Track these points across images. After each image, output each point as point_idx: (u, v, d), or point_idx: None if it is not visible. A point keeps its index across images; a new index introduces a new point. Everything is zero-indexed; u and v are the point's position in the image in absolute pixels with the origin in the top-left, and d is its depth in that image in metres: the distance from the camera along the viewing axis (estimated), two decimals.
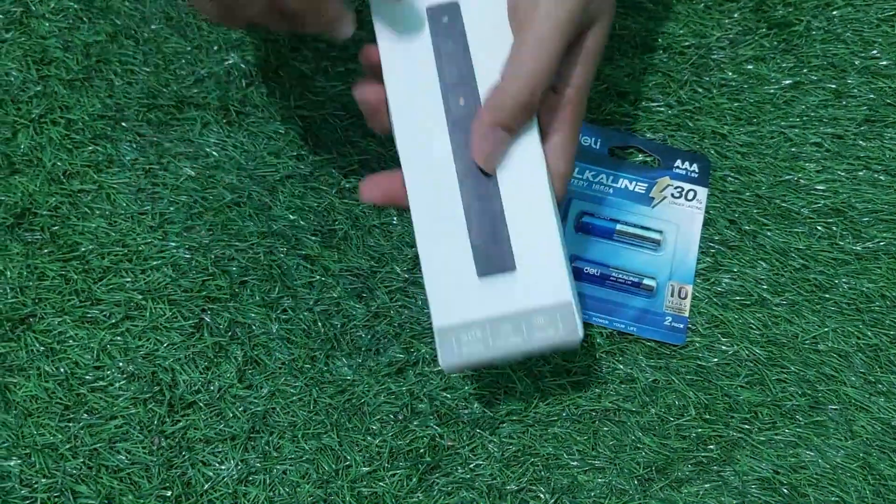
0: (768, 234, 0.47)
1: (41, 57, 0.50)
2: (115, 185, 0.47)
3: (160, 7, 0.52)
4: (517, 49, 0.33)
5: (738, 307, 0.46)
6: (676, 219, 0.47)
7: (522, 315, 0.33)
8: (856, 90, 0.51)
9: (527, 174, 0.34)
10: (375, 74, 0.37)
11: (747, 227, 0.47)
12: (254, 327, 0.44)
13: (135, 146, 0.48)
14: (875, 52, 0.53)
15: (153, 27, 0.51)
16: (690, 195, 0.48)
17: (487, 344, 0.33)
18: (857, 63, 0.52)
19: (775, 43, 0.52)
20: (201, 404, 0.43)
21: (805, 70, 0.52)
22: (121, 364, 0.43)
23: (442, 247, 0.34)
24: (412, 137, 0.34)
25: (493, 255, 0.33)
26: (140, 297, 0.45)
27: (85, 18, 0.52)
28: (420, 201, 0.34)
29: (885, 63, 0.52)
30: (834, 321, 0.45)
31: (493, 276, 0.33)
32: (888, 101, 0.51)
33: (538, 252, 0.34)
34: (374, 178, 0.36)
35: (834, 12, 0.54)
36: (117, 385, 0.43)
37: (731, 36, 0.52)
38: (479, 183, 0.34)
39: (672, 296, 0.46)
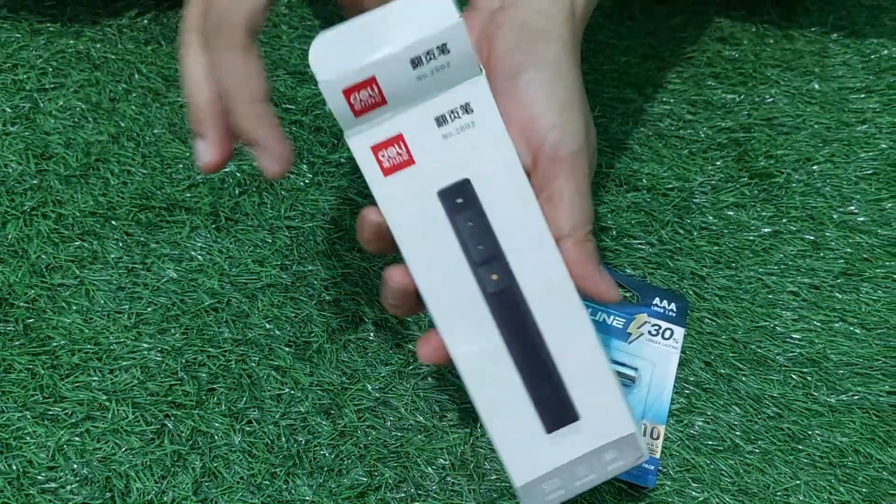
0: (743, 379, 0.47)
1: (42, 152, 0.52)
2: (95, 282, 0.47)
3: (165, 113, 0.54)
4: (559, 204, 0.34)
5: (710, 452, 0.45)
6: (652, 357, 0.47)
7: (594, 454, 0.35)
8: (833, 243, 0.52)
9: (564, 313, 0.34)
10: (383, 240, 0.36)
11: (722, 371, 0.47)
12: (216, 437, 0.44)
13: (121, 244, 0.49)
14: (853, 207, 0.54)
15: (155, 131, 0.53)
16: (667, 334, 0.48)
17: (567, 487, 0.35)
18: (835, 217, 0.53)
19: (756, 192, 0.54)
20: None
21: (784, 220, 0.53)
22: (75, 466, 0.42)
23: (506, 412, 0.35)
24: (451, 319, 0.34)
25: (557, 410, 0.35)
26: (105, 397, 0.44)
27: (90, 118, 0.53)
28: (474, 375, 0.35)
29: (862, 219, 0.53)
30: (806, 474, 0.44)
31: (561, 429, 0.35)
32: (865, 255, 0.52)
33: (596, 394, 0.35)
34: (433, 340, 0.35)
35: (814, 167, 0.55)
36: (69, 488, 0.42)
37: (713, 182, 0.54)
38: (525, 347, 0.34)
39: (644, 435, 0.45)
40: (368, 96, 0.32)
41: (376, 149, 0.33)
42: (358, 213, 0.36)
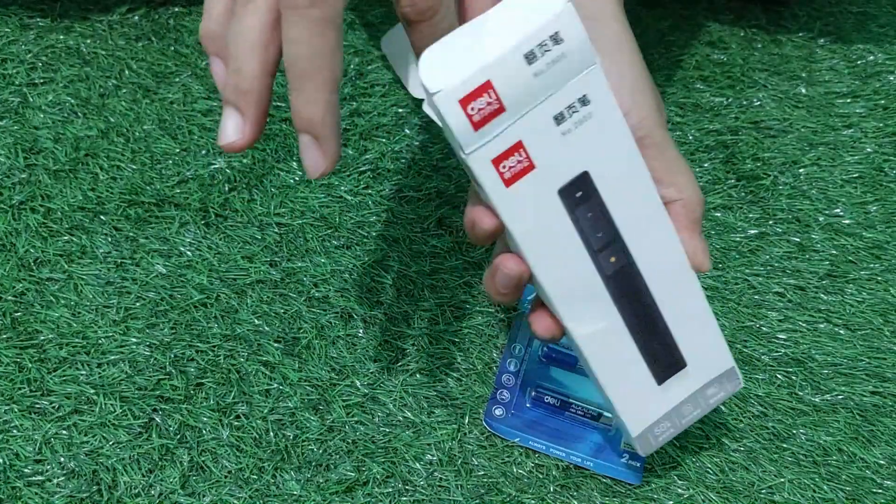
0: None
1: (31, 146, 0.52)
2: (84, 276, 0.47)
3: (155, 110, 0.54)
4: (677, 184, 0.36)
5: (695, 449, 0.45)
6: None
7: (699, 392, 0.39)
8: (819, 245, 0.53)
9: (676, 278, 0.36)
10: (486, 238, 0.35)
11: None
12: (204, 431, 0.44)
13: (110, 239, 0.49)
14: (838, 210, 0.55)
15: (145, 127, 0.53)
16: None
17: (675, 425, 0.40)
18: (821, 219, 0.54)
19: (743, 194, 0.55)
20: None
21: (770, 222, 0.54)
22: (62, 459, 0.42)
23: (624, 377, 0.38)
24: (572, 305, 0.35)
25: (668, 364, 0.38)
26: (92, 391, 0.44)
27: (80, 114, 0.53)
28: (596, 352, 0.37)
29: (847, 221, 0.54)
30: (790, 472, 0.45)
31: (670, 378, 0.38)
32: (850, 258, 0.53)
33: (701, 340, 0.38)
34: (546, 318, 0.36)
35: (801, 170, 0.56)
36: (55, 481, 0.42)
37: (701, 184, 0.54)
38: (641, 318, 0.36)
39: None
40: (486, 104, 0.30)
41: (497, 161, 0.31)
42: (489, 265, 0.35)
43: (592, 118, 0.32)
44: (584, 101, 0.32)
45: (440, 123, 0.31)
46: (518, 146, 0.31)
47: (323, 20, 0.28)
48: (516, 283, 0.35)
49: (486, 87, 0.30)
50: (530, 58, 0.30)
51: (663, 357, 0.38)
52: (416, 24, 0.31)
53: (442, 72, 0.29)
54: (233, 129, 0.30)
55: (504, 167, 0.32)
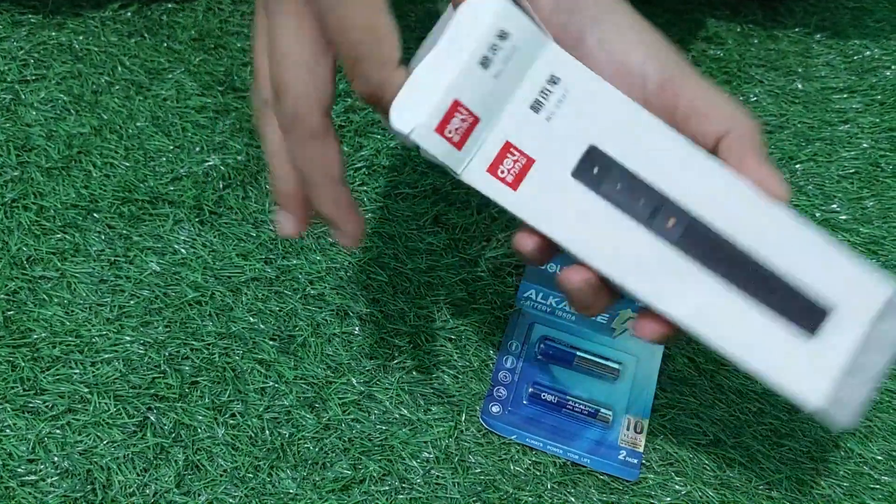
0: (726, 374, 0.47)
1: (23, 144, 0.51)
2: (77, 275, 0.47)
3: (148, 106, 0.53)
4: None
5: (693, 446, 0.45)
6: (637, 352, 0.48)
7: (870, 335, 0.32)
8: None
9: (754, 214, 0.32)
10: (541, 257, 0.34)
11: (706, 366, 0.48)
12: (199, 430, 0.43)
13: (103, 237, 0.48)
14: (835, 206, 0.55)
15: (138, 124, 0.53)
16: None
17: (863, 381, 0.33)
18: (817, 215, 0.54)
19: None
20: None
21: None
22: (56, 459, 0.42)
23: (760, 341, 0.32)
24: (657, 288, 0.32)
25: (805, 311, 0.32)
26: (86, 390, 0.44)
27: (72, 111, 0.53)
28: (710, 324, 0.32)
29: (844, 217, 0.54)
30: (788, 468, 0.45)
31: (821, 328, 0.32)
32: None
33: (833, 274, 0.32)
34: (649, 320, 0.33)
35: (797, 166, 0.56)
36: (49, 481, 0.41)
37: None
38: (739, 270, 0.32)
39: (628, 429, 0.45)
40: (461, 121, 0.31)
41: (492, 168, 0.32)
42: (560, 278, 0.34)
43: (570, 93, 0.32)
44: (552, 80, 0.32)
45: (428, 156, 0.32)
46: (507, 147, 0.32)
47: (306, 139, 0.32)
48: (593, 292, 0.33)
49: (454, 106, 0.31)
50: (485, 63, 0.31)
51: (797, 307, 0.32)
52: (377, 105, 0.32)
53: (411, 112, 0.31)
54: (286, 224, 0.36)
55: (502, 171, 0.32)
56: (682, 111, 0.33)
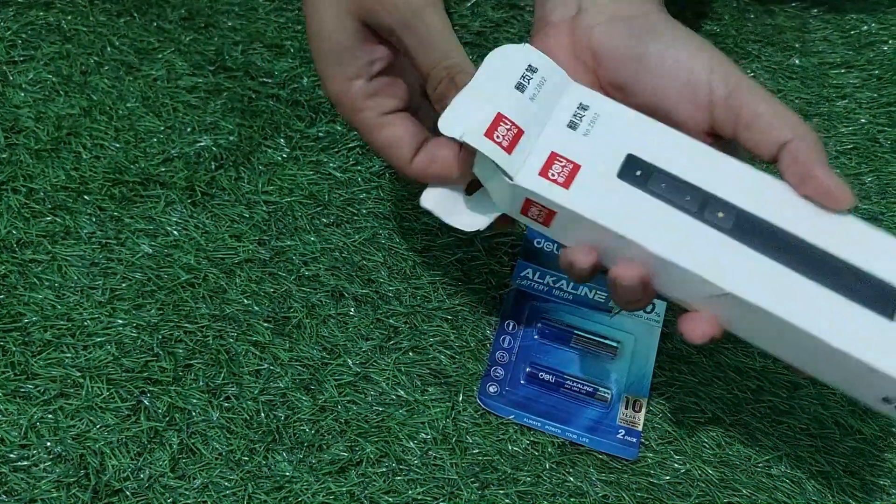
0: (725, 352, 0.47)
1: (12, 125, 0.50)
2: (68, 258, 0.46)
3: (139, 87, 0.53)
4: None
5: (692, 424, 0.45)
6: (634, 330, 0.47)
7: None
8: None
9: (796, 206, 0.34)
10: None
11: (704, 344, 0.47)
12: (194, 413, 0.43)
13: (94, 220, 0.48)
14: None
15: (129, 105, 0.52)
16: (649, 308, 0.48)
17: None
18: None
19: None
20: (128, 493, 0.41)
21: None
22: (49, 444, 0.41)
23: (849, 328, 0.33)
24: (713, 269, 0.33)
25: (881, 294, 0.33)
26: (78, 374, 0.43)
27: (61, 92, 0.52)
28: (794, 312, 0.33)
29: None
30: (787, 445, 0.45)
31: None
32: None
33: (891, 257, 0.33)
34: (694, 318, 0.35)
35: None
36: (42, 466, 0.41)
37: None
38: (796, 255, 0.33)
39: (626, 408, 0.45)
40: (507, 130, 0.35)
41: (543, 172, 0.35)
42: (608, 283, 0.36)
43: (601, 116, 0.36)
44: (582, 107, 0.37)
45: (478, 175, 0.37)
46: (554, 156, 0.35)
47: (363, 126, 0.38)
48: (641, 288, 0.35)
49: (499, 118, 0.35)
50: (521, 87, 0.35)
51: (871, 291, 0.33)
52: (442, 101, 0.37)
53: (459, 122, 0.35)
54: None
55: (552, 174, 0.35)
56: (746, 118, 0.35)
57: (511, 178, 0.35)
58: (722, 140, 0.37)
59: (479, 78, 0.36)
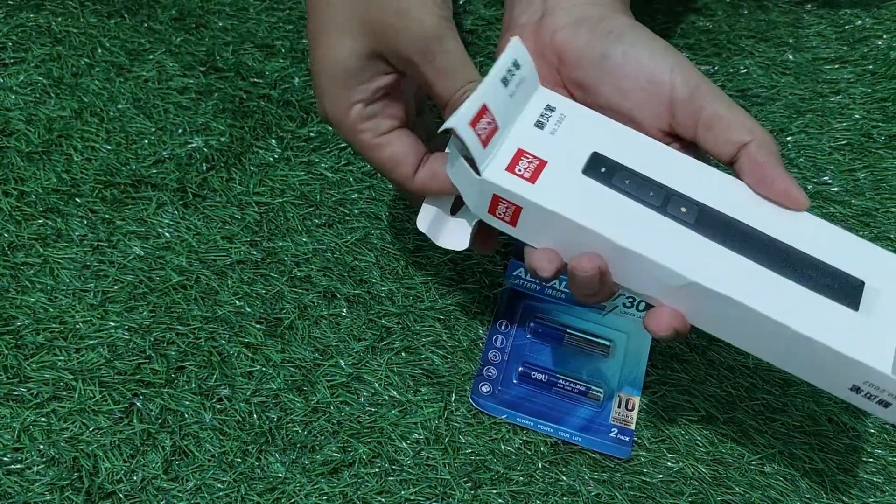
0: (717, 349, 0.47)
1: (2, 128, 0.50)
2: (60, 260, 0.46)
3: (129, 88, 0.52)
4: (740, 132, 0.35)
5: (685, 422, 0.45)
6: (627, 328, 0.47)
7: None
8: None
9: (757, 204, 0.35)
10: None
11: (697, 342, 0.47)
12: (186, 415, 0.43)
13: (86, 222, 0.48)
14: (827, 178, 0.54)
15: (119, 106, 0.52)
16: (642, 306, 0.48)
17: None
18: (809, 188, 0.53)
19: None
20: (121, 495, 0.41)
21: None
22: (42, 447, 0.41)
23: (809, 314, 0.33)
24: (678, 260, 0.34)
25: (841, 285, 0.34)
26: (71, 377, 0.43)
27: (52, 94, 0.52)
28: (752, 296, 0.33)
29: (836, 189, 0.53)
30: (781, 443, 0.44)
31: (862, 301, 0.34)
32: (838, 225, 0.52)
33: (850, 252, 0.35)
34: (659, 312, 0.35)
35: (788, 138, 0.55)
36: (35, 469, 0.41)
37: None
38: (760, 248, 0.34)
39: (619, 407, 0.45)
40: (487, 124, 0.35)
41: (510, 168, 0.36)
42: (570, 268, 0.36)
43: (567, 118, 0.37)
44: (549, 108, 0.38)
45: (451, 175, 0.37)
46: (521, 152, 0.36)
47: (363, 146, 0.38)
48: (599, 280, 0.35)
49: (483, 110, 0.35)
50: (505, 82, 0.36)
51: (829, 281, 0.34)
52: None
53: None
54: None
55: (519, 170, 0.36)
56: (706, 119, 0.36)
57: (479, 174, 0.35)
58: (682, 141, 0.38)
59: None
